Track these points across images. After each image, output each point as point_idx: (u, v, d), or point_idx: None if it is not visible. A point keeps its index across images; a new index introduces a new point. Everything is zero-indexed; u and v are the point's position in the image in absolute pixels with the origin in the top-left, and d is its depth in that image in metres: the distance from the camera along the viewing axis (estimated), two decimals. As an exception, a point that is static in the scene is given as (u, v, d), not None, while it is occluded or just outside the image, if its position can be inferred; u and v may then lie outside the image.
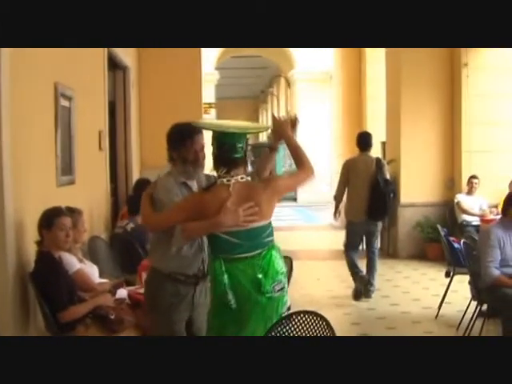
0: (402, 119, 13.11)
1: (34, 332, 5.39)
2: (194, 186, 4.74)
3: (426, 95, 13.01)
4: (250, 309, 4.18)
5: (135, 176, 11.27)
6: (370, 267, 9.79)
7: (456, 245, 8.75)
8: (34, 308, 5.37)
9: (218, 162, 4.34)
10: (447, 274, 8.94)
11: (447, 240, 8.79)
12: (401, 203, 13.08)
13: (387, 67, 14.11)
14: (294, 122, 4.58)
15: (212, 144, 4.36)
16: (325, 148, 25.07)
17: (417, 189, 13.08)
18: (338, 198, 10.05)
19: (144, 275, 5.34)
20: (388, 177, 9.79)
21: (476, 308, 7.21)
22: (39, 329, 5.38)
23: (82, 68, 7.56)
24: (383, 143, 14.86)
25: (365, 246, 9.98)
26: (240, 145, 4.29)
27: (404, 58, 13.00)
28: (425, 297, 9.69)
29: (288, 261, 5.82)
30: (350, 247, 9.83)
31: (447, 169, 13.14)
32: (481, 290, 6.97)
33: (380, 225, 10.03)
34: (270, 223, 4.37)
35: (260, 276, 4.17)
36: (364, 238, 9.94)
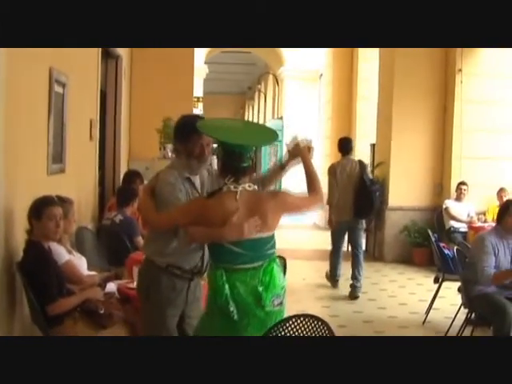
0: (393, 122, 13.02)
1: (20, 324, 5.24)
2: (197, 181, 4.63)
3: (418, 99, 12.93)
4: (247, 321, 4.09)
5: (123, 167, 11.14)
6: (356, 264, 10.15)
7: (446, 251, 8.69)
8: (21, 299, 5.23)
9: (225, 170, 4.21)
10: (436, 280, 8.87)
11: (437, 246, 8.72)
12: (388, 206, 13.03)
13: (380, 69, 14.04)
14: (309, 149, 4.50)
15: (218, 147, 4.25)
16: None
17: (405, 192, 13.00)
18: (331, 203, 10.24)
19: (135, 269, 5.21)
20: (371, 176, 10.50)
21: (467, 316, 7.13)
22: (25, 321, 5.24)
23: (76, 55, 7.40)
24: (373, 145, 14.77)
25: (349, 247, 10.53)
26: (248, 154, 4.19)
27: (398, 61, 12.93)
28: (412, 302, 9.63)
29: (281, 260, 5.73)
30: (336, 247, 10.40)
31: (436, 174, 13.06)
32: (472, 297, 6.89)
33: (364, 224, 10.59)
34: (274, 235, 4.27)
35: (261, 289, 4.08)
36: (347, 238, 10.50)
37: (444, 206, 12.19)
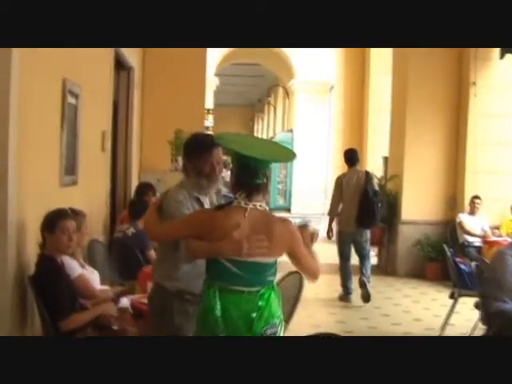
0: (406, 135, 12.88)
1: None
2: (207, 202, 4.48)
3: (432, 112, 12.79)
4: None
5: (134, 179, 11.06)
6: (364, 263, 10.42)
7: (462, 266, 8.57)
8: (32, 313, 5.14)
9: (237, 185, 4.01)
10: (452, 296, 8.72)
11: (454, 261, 8.59)
12: (401, 220, 12.89)
13: (393, 82, 13.94)
14: (313, 235, 4.26)
15: (232, 162, 4.08)
16: (322, 159, 24.93)
17: (418, 206, 12.85)
18: (332, 214, 10.70)
19: (149, 284, 5.09)
20: (377, 188, 10.48)
21: (487, 332, 6.99)
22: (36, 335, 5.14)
23: (89, 66, 7.36)
24: (385, 158, 14.65)
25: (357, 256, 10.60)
26: (264, 170, 3.98)
27: (411, 73, 12.83)
28: (426, 317, 9.48)
29: (297, 277, 5.62)
30: (343, 258, 10.52)
31: (450, 187, 12.90)
32: (491, 313, 6.75)
33: (368, 233, 10.54)
34: (276, 263, 4.05)
35: (254, 315, 3.87)
36: (353, 248, 10.54)
37: (457, 220, 12.06)
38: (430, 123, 12.82)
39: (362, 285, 10.20)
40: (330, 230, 10.67)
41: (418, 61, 12.56)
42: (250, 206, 3.93)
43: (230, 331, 3.87)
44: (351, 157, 10.59)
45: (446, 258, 9.19)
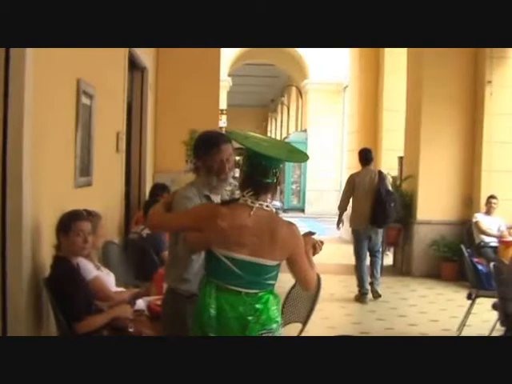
0: (421, 135, 12.80)
1: (46, 341, 5.10)
2: (217, 200, 4.36)
3: (447, 111, 12.71)
4: None
5: (148, 180, 11.02)
6: (375, 264, 10.68)
7: (479, 266, 8.49)
8: (47, 315, 5.10)
9: (246, 183, 3.90)
10: (469, 297, 8.63)
11: (471, 261, 8.50)
12: (417, 220, 12.81)
13: (408, 81, 13.85)
14: (315, 246, 4.12)
15: (242, 159, 3.96)
16: (336, 160, 24.88)
17: (434, 206, 12.77)
18: (342, 208, 10.94)
19: (165, 287, 5.03)
20: (390, 188, 10.68)
21: (505, 333, 6.92)
22: (52, 338, 5.10)
23: (103, 66, 7.32)
24: (400, 158, 14.56)
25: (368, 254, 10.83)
26: (275, 170, 3.87)
27: (426, 73, 12.74)
28: (443, 318, 9.39)
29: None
30: (359, 257, 10.67)
31: (466, 187, 12.80)
32: (510, 314, 6.69)
33: (381, 232, 10.89)
34: (277, 267, 3.91)
35: (250, 318, 3.76)
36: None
37: (474, 220, 11.97)
38: (445, 122, 12.73)
39: (372, 287, 10.55)
40: (339, 221, 11.05)
41: (432, 60, 12.47)
42: (257, 205, 3.83)
43: (224, 332, 3.78)
44: (365, 156, 10.75)
45: (461, 259, 9.13)
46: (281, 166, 3.96)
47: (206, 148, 4.32)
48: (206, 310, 3.79)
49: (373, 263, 10.70)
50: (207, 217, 3.87)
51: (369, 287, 10.56)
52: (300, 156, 4.28)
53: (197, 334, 3.89)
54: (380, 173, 10.71)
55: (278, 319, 3.90)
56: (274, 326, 3.84)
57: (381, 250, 11.22)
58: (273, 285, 3.93)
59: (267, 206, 3.87)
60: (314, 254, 4.11)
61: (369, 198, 10.38)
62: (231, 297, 3.80)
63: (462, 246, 9.00)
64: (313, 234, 4.18)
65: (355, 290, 10.66)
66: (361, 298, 10.46)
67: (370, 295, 10.50)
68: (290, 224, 3.98)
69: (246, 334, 3.75)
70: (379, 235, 10.78)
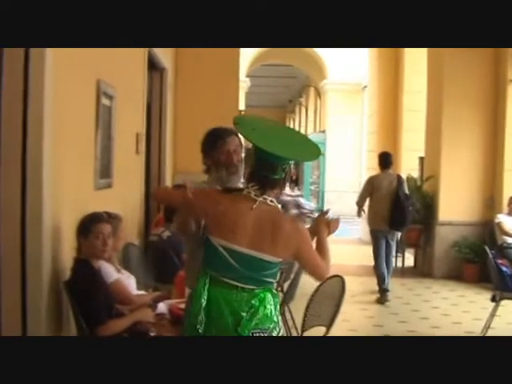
0: (442, 135, 12.68)
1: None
2: None
3: (468, 111, 12.58)
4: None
5: (168, 181, 10.96)
6: (387, 266, 10.74)
7: (503, 268, 8.37)
8: (68, 319, 5.04)
9: (252, 178, 3.81)
10: (493, 299, 8.51)
11: (495, 263, 8.38)
12: (438, 221, 12.69)
13: (429, 81, 13.73)
14: (329, 224, 4.02)
15: (250, 149, 3.89)
16: (355, 160, 24.77)
17: (456, 207, 12.65)
18: (360, 204, 11.33)
19: (187, 291, 4.95)
20: (407, 192, 10.84)
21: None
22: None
23: (123, 67, 7.25)
24: (421, 158, 14.44)
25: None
26: (284, 166, 3.78)
27: (447, 72, 12.63)
28: (466, 320, 9.30)
29: (339, 281, 5.50)
30: (378, 257, 10.80)
31: (488, 187, 12.66)
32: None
33: (398, 234, 11.16)
34: (278, 265, 3.80)
35: (244, 314, 3.65)
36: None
37: (496, 221, 11.80)
38: (466, 122, 12.61)
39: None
40: (360, 212, 11.46)
41: (453, 59, 12.36)
42: (260, 198, 3.73)
43: (215, 326, 3.68)
44: (385, 160, 11.01)
45: (483, 260, 9.01)
46: (291, 161, 3.87)
47: (211, 143, 4.31)
48: (197, 300, 3.69)
49: (387, 266, 10.83)
50: (207, 198, 3.81)
51: (390, 287, 10.62)
52: (311, 152, 4.07)
53: (186, 325, 3.82)
54: (399, 177, 10.95)
55: (275, 319, 3.78)
56: (270, 325, 3.73)
57: (394, 253, 11.54)
58: (272, 283, 3.83)
59: (272, 201, 3.77)
60: (328, 233, 4.01)
61: (387, 201, 10.56)
62: (226, 290, 3.70)
63: (486, 248, 8.88)
64: (326, 212, 4.09)
65: (376, 291, 10.66)
66: (382, 295, 10.53)
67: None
68: (295, 220, 3.94)
69: (238, 330, 3.65)
70: (395, 238, 10.99)
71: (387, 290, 10.51)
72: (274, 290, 3.85)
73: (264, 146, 3.70)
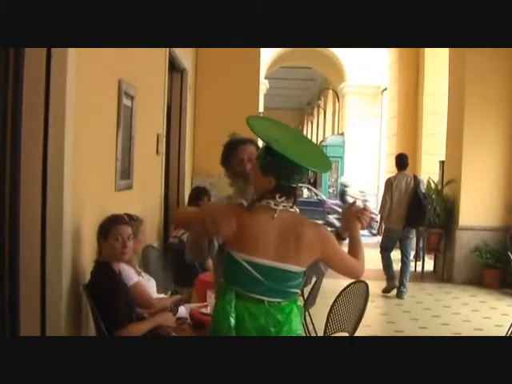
0: (464, 138, 12.48)
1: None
2: None
3: (490, 114, 12.39)
4: None
5: (187, 183, 10.90)
6: (404, 271, 11.05)
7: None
8: (87, 323, 4.99)
9: (277, 189, 3.62)
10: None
11: (519, 269, 8.28)
12: (459, 226, 12.52)
13: (450, 83, 13.57)
14: (358, 213, 3.79)
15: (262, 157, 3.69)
16: (373, 163, 24.64)
17: (476, 211, 12.45)
18: (382, 212, 11.22)
19: (209, 293, 4.87)
20: (424, 191, 11.23)
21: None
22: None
23: (144, 68, 7.21)
24: (442, 162, 14.29)
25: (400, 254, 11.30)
26: (303, 175, 3.69)
27: (469, 74, 12.45)
28: (487, 327, 9.14)
29: (363, 286, 5.43)
30: (384, 249, 11.28)
31: (510, 192, 12.49)
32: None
33: (414, 233, 11.50)
34: (302, 275, 3.68)
35: (272, 330, 3.54)
36: (399, 245, 11.32)
37: (518, 227, 11.70)
38: (488, 125, 12.42)
39: (398, 291, 11.03)
40: (380, 227, 11.40)
41: (475, 60, 12.18)
42: (280, 207, 3.60)
43: None
44: (401, 161, 11.31)
45: (505, 265, 8.88)
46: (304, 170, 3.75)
47: (226, 155, 4.21)
48: (225, 319, 3.58)
49: (402, 269, 11.07)
50: (227, 214, 3.65)
51: (395, 275, 11.18)
52: (326, 163, 3.97)
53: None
54: (415, 177, 11.24)
55: (300, 332, 3.70)
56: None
57: (411, 256, 11.65)
58: (297, 293, 3.73)
59: (291, 207, 3.65)
60: (362, 227, 3.82)
61: (405, 201, 10.90)
62: (252, 306, 3.59)
63: (510, 254, 8.76)
64: (354, 204, 3.92)
65: (394, 296, 10.83)
66: (389, 283, 11.17)
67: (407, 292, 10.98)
68: (317, 225, 3.77)
69: None
70: (411, 239, 11.32)
71: (393, 278, 11.12)
72: (298, 302, 3.75)
73: (296, 159, 3.56)
